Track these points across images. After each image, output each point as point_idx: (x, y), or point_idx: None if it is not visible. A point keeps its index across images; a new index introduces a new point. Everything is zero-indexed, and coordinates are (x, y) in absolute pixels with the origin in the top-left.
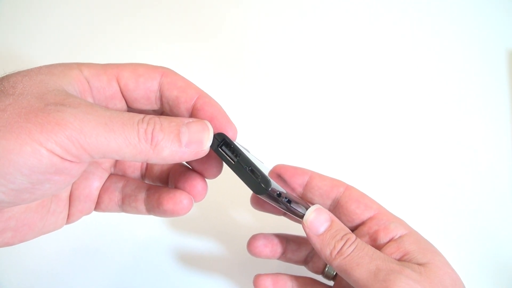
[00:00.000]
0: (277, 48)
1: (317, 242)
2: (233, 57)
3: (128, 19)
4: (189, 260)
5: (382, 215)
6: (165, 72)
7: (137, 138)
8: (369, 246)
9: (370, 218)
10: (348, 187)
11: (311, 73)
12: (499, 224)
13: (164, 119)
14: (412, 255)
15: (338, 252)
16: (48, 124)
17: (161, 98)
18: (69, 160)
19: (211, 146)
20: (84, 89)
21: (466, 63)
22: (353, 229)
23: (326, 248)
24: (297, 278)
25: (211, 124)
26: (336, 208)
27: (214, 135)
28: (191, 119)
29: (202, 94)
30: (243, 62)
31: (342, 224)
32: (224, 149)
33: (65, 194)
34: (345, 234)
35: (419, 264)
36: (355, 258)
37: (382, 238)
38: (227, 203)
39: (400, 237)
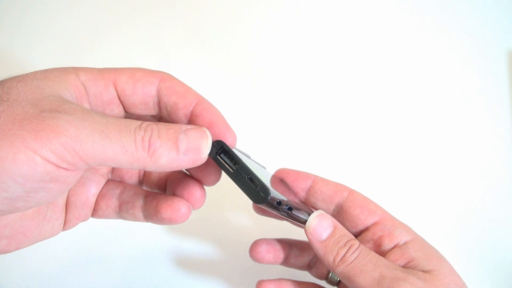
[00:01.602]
0: (279, 50)
1: (320, 249)
2: (236, 59)
3: (130, 22)
4: (189, 265)
5: (386, 221)
6: (163, 77)
7: (134, 146)
8: (373, 253)
9: (374, 224)
10: (351, 192)
11: (314, 75)
12: (499, 224)
13: (161, 126)
14: (417, 261)
15: (341, 259)
16: (43, 131)
17: (159, 103)
18: (64, 168)
19: (209, 154)
20: (80, 95)
21: (467, 64)
22: (357, 235)
23: (329, 255)
24: (300, 284)
25: (210, 131)
26: (339, 214)
27: (213, 143)
28: (189, 126)
29: (201, 100)
30: (245, 64)
31: (346, 230)
32: (223, 157)
33: (61, 201)
34: (348, 241)
35: (424, 271)
36: (359, 265)
37: (387, 244)
38: (228, 207)
39: (405, 243)
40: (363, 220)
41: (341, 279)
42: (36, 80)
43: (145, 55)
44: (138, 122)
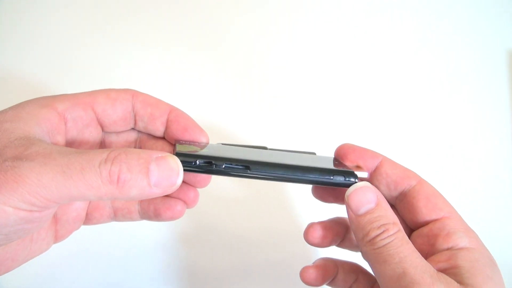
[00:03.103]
0: (283, 54)
1: (353, 222)
2: (240, 65)
3: (132, 25)
4: (188, 265)
5: (450, 221)
6: (134, 93)
7: (99, 181)
8: (409, 246)
9: (436, 220)
10: (421, 181)
11: (319, 79)
12: (500, 225)
13: (131, 156)
14: (459, 271)
15: (370, 241)
16: (7, 183)
17: (135, 117)
18: (36, 211)
19: (186, 169)
20: (53, 128)
21: (466, 63)
22: (416, 229)
23: (360, 232)
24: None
25: (186, 133)
26: (402, 203)
27: (182, 160)
28: (159, 153)
29: (173, 108)
30: (250, 69)
31: (389, 211)
32: (198, 165)
33: (46, 224)
34: (386, 224)
35: (462, 284)
36: (384, 253)
37: (440, 245)
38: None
39: (459, 249)
40: (425, 214)
41: (364, 258)
42: (5, 123)
43: (143, 57)
44: (104, 154)
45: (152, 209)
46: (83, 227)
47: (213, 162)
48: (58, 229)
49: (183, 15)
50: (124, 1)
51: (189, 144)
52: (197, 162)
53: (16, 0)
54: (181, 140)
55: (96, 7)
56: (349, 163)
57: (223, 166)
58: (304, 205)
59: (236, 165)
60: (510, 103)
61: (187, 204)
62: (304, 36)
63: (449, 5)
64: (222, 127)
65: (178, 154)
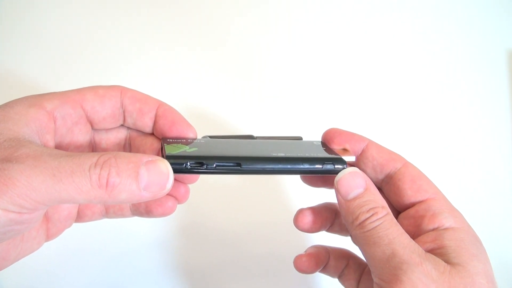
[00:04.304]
0: (283, 54)
1: (342, 207)
2: (240, 65)
3: (132, 25)
4: (184, 261)
5: (435, 202)
6: (122, 89)
7: (89, 185)
8: (397, 228)
9: (421, 202)
10: (406, 164)
11: (319, 78)
12: (499, 225)
13: (121, 160)
14: (446, 250)
15: (359, 224)
16: None
17: (124, 113)
18: (26, 213)
19: (177, 171)
20: (42, 127)
21: (466, 63)
22: (402, 211)
23: (349, 216)
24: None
25: (173, 128)
26: (388, 185)
27: (172, 163)
28: (150, 157)
29: (161, 103)
30: (250, 69)
31: (378, 195)
32: (189, 166)
33: (36, 224)
34: (375, 207)
35: (449, 263)
36: (374, 235)
37: (426, 226)
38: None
39: (445, 229)
40: (410, 196)
41: (353, 241)
42: None
43: (143, 57)
44: (95, 158)
45: (143, 205)
46: (78, 226)
47: (204, 162)
48: (50, 228)
49: (183, 15)
50: (124, 1)
51: (177, 142)
52: (188, 164)
53: (16, 0)
54: (168, 138)
55: (97, 7)
56: (336, 147)
57: (214, 165)
58: (294, 193)
59: (227, 163)
60: (510, 103)
61: (178, 200)
62: (304, 36)
63: (449, 5)
64: (222, 126)
65: (168, 157)
